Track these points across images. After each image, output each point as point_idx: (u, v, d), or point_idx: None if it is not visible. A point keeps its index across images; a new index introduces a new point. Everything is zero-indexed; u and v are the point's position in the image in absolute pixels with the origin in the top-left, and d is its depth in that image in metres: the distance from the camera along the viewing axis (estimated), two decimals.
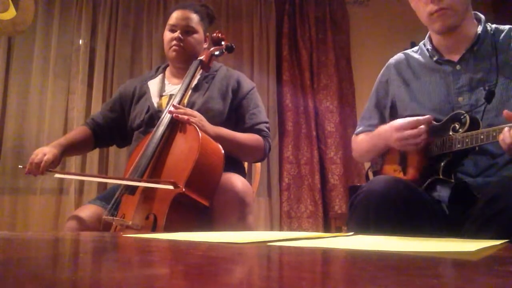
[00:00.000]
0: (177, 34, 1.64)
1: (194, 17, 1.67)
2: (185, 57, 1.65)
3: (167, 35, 1.68)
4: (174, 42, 1.64)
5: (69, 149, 1.62)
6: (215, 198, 1.35)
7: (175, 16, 1.66)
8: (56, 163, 1.53)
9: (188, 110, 1.46)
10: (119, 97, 1.76)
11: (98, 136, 1.72)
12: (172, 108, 1.45)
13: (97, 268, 0.48)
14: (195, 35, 1.67)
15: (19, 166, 1.56)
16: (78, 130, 1.74)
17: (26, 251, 0.67)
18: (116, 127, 1.73)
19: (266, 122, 1.67)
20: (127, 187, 1.36)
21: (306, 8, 3.75)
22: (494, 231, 0.92)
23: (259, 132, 1.62)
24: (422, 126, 1.19)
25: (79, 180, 3.28)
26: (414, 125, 1.19)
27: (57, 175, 1.56)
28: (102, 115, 1.75)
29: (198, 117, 1.44)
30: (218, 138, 1.44)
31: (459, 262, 0.53)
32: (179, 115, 1.42)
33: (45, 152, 1.50)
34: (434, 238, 0.81)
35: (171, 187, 1.23)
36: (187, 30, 1.65)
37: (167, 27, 1.69)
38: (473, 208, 1.05)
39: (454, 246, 0.65)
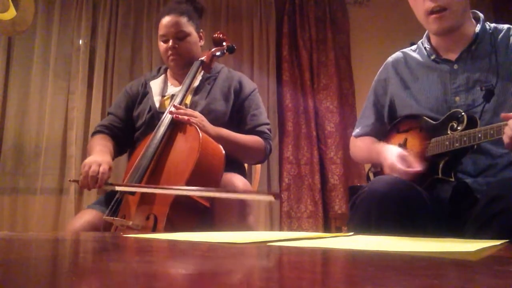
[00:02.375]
0: (170, 43, 1.60)
1: (182, 20, 1.61)
2: (184, 62, 1.63)
3: (161, 46, 1.64)
4: (170, 52, 1.61)
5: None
6: (216, 199, 1.35)
7: (163, 24, 1.61)
8: (111, 171, 1.42)
9: (189, 111, 1.45)
10: (128, 96, 1.71)
11: (120, 142, 1.64)
12: (173, 109, 1.44)
13: (97, 268, 0.48)
14: (188, 38, 1.63)
15: (69, 180, 1.42)
16: (102, 137, 1.60)
17: (26, 251, 0.67)
18: (131, 127, 1.66)
19: (267, 124, 1.66)
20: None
21: (306, 8, 3.75)
22: (494, 231, 0.92)
23: (260, 134, 1.61)
24: (411, 174, 1.15)
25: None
26: (404, 172, 1.16)
27: (118, 188, 1.34)
28: (119, 118, 1.66)
29: (198, 118, 1.44)
30: (218, 139, 1.43)
31: (459, 262, 0.53)
32: (180, 116, 1.41)
33: (99, 162, 1.37)
34: (434, 238, 0.81)
35: (272, 198, 1.16)
36: (179, 36, 1.61)
37: (159, 38, 1.64)
38: (473, 208, 1.05)
39: (454, 246, 0.65)
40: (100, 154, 1.45)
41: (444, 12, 1.20)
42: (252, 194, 1.15)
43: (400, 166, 1.16)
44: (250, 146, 1.57)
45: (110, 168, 1.40)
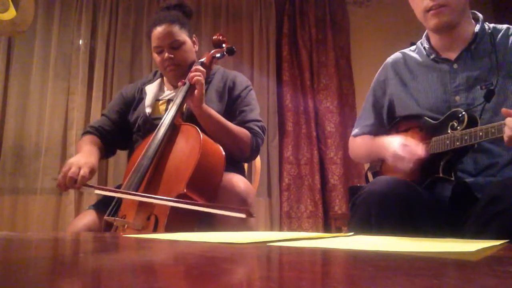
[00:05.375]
0: (166, 54, 1.58)
1: (175, 29, 1.58)
2: (183, 71, 1.61)
3: (157, 57, 1.62)
4: (167, 63, 1.59)
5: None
6: (217, 199, 1.35)
7: (156, 36, 1.58)
8: (93, 174, 1.42)
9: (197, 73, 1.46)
10: (123, 99, 1.72)
11: (108, 144, 1.65)
12: (173, 110, 1.44)
13: (97, 268, 0.48)
14: (184, 46, 1.61)
15: (52, 179, 1.42)
16: (90, 138, 1.61)
17: (26, 251, 0.67)
18: (123, 130, 1.68)
19: (257, 121, 1.62)
20: (129, 187, 1.35)
21: (306, 9, 3.75)
22: (494, 231, 0.92)
23: (248, 129, 1.58)
24: (411, 164, 1.16)
25: None
26: (408, 156, 1.17)
27: (98, 192, 1.37)
28: (111, 121, 1.67)
29: (201, 89, 1.44)
30: (208, 116, 1.45)
31: (459, 263, 0.53)
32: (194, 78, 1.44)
33: (81, 164, 1.38)
34: (434, 238, 0.81)
35: (243, 215, 1.13)
36: (174, 46, 1.59)
37: (153, 49, 1.62)
38: (473, 208, 1.05)
39: (454, 246, 0.65)
40: (85, 156, 1.45)
41: (443, 8, 1.21)
42: (223, 210, 1.18)
43: (403, 153, 1.16)
44: (236, 133, 1.53)
45: (91, 171, 1.40)
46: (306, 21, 3.73)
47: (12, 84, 3.35)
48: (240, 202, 1.35)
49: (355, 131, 1.49)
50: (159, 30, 1.58)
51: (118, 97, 1.76)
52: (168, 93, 1.67)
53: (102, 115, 1.74)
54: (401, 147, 1.18)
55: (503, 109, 1.01)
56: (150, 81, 1.73)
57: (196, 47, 1.71)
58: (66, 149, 3.29)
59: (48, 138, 3.29)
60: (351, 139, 1.52)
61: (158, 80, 1.72)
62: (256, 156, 1.68)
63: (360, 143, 1.46)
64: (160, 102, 1.64)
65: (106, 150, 1.65)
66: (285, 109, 3.59)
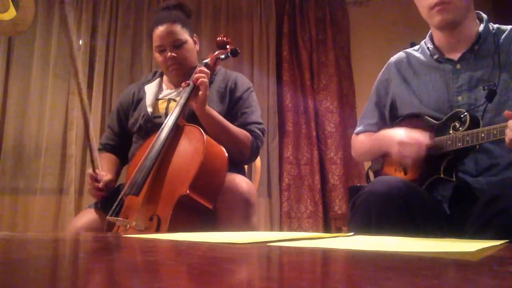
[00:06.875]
0: (168, 53, 1.58)
1: (177, 28, 1.59)
2: (185, 70, 1.61)
3: (159, 57, 1.62)
4: (170, 62, 1.59)
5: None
6: (220, 199, 1.35)
7: (158, 35, 1.59)
8: (111, 182, 1.53)
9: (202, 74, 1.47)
10: (121, 109, 1.74)
11: (120, 155, 1.70)
12: (176, 110, 1.44)
13: (97, 268, 0.48)
14: (185, 46, 1.61)
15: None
16: (103, 157, 1.66)
17: (26, 251, 0.67)
18: (127, 138, 1.69)
19: (259, 123, 1.62)
20: (131, 187, 1.34)
21: (306, 8, 3.75)
22: (494, 231, 0.92)
23: (249, 132, 1.58)
24: (423, 145, 1.16)
25: (79, 181, 3.28)
26: (415, 142, 1.16)
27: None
28: (114, 133, 1.72)
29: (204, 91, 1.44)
30: (210, 117, 1.45)
31: (459, 263, 0.53)
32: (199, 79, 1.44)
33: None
34: (434, 239, 0.81)
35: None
36: (176, 45, 1.59)
37: (155, 49, 1.62)
38: (474, 208, 1.05)
39: (454, 246, 0.65)
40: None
41: (447, 5, 1.21)
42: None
43: (410, 140, 1.16)
44: (236, 134, 1.53)
45: (109, 180, 1.51)
46: (306, 21, 3.73)
47: (12, 84, 3.36)
48: (243, 202, 1.35)
49: (358, 129, 1.49)
50: (161, 29, 1.59)
51: (116, 106, 1.79)
52: (168, 92, 1.67)
53: (108, 126, 1.78)
54: (407, 135, 1.18)
55: (506, 112, 1.01)
56: (149, 81, 1.74)
57: (197, 47, 1.71)
58: (66, 149, 3.30)
59: (48, 138, 3.29)
60: (353, 137, 1.51)
61: (158, 80, 1.72)
62: (255, 159, 1.69)
63: (363, 139, 1.46)
64: (160, 101, 1.64)
65: (121, 160, 1.71)
66: (285, 109, 3.59)
